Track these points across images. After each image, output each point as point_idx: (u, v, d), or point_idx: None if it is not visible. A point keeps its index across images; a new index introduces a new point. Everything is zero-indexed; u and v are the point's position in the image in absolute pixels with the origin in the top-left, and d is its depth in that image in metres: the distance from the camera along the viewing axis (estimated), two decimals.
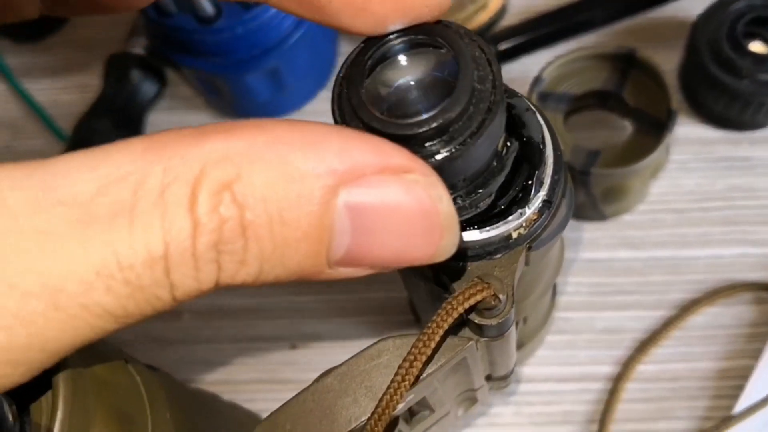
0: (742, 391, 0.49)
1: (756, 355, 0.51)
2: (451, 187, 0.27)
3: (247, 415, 0.52)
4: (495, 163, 0.29)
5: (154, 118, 0.67)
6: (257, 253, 0.22)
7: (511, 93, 0.33)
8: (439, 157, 0.26)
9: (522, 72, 0.61)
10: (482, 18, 0.62)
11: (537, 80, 0.54)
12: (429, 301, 0.39)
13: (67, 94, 0.68)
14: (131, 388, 0.30)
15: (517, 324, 0.42)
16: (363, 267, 0.25)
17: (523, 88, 0.55)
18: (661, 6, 0.62)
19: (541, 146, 0.32)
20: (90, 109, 0.64)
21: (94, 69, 0.67)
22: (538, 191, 0.32)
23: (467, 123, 0.26)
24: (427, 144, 0.26)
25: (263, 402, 0.55)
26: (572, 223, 0.57)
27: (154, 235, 0.21)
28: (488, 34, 0.62)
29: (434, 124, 0.25)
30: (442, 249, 0.26)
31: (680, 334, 0.54)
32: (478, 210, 0.30)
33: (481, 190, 0.29)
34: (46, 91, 0.69)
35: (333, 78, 0.65)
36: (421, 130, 0.25)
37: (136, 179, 0.21)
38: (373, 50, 0.27)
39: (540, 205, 0.32)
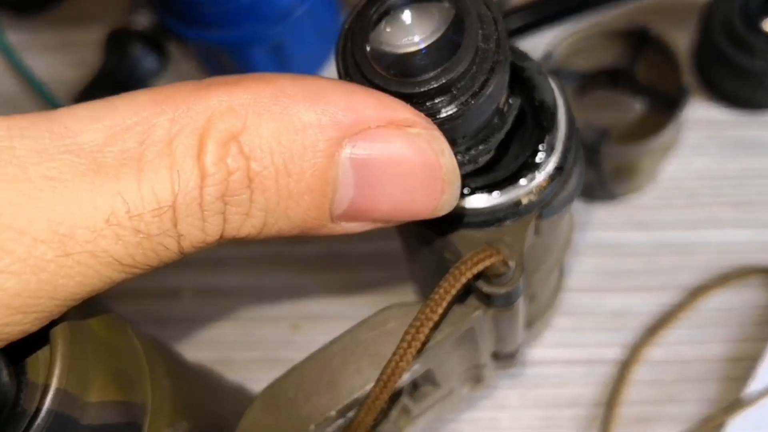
0: (752, 375, 0.48)
1: (766, 338, 0.50)
2: (452, 143, 0.27)
3: (250, 398, 0.51)
4: (496, 120, 0.29)
5: None
6: (262, 204, 0.22)
7: (523, 56, 0.32)
8: (441, 115, 0.25)
9: (531, 49, 0.59)
10: None
11: (548, 56, 0.53)
12: (434, 275, 0.38)
13: (67, 69, 0.67)
14: (131, 351, 0.29)
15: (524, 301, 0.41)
16: (365, 221, 0.25)
17: None
18: None
19: (553, 110, 0.31)
20: (89, 84, 0.63)
21: (95, 44, 0.66)
22: (550, 156, 0.31)
23: (470, 83, 0.25)
24: (429, 102, 0.25)
25: (265, 381, 0.54)
26: (580, 204, 0.56)
27: (163, 184, 0.21)
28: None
29: (436, 84, 0.25)
30: (444, 203, 0.26)
31: (690, 318, 0.53)
32: (477, 165, 0.29)
33: (481, 146, 0.28)
34: (47, 66, 0.67)
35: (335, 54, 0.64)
36: (423, 89, 0.25)
37: (142, 129, 0.21)
38: (378, 3, 0.26)
39: (552, 171, 0.31)
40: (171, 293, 0.58)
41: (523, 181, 0.31)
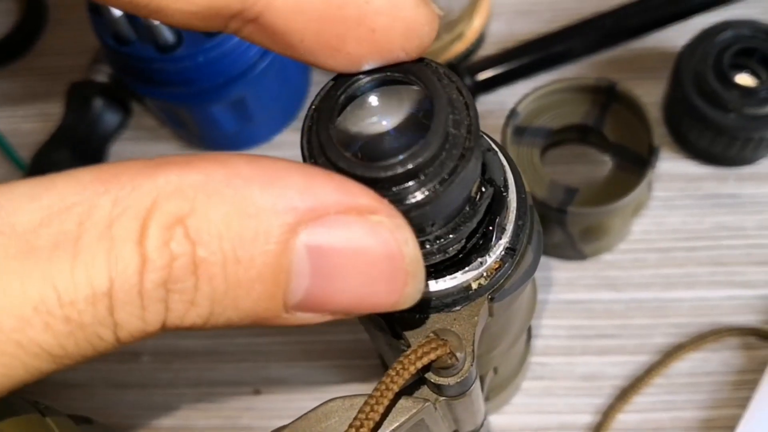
0: None
1: (743, 404, 0.48)
2: (420, 232, 0.26)
3: None
4: (467, 209, 0.27)
5: (118, 148, 0.64)
6: (209, 293, 0.21)
7: None
8: (408, 201, 0.24)
9: (499, 103, 0.59)
10: (458, 48, 0.60)
11: (512, 113, 0.52)
12: (390, 352, 0.36)
13: (28, 122, 0.66)
14: None
15: (482, 378, 0.39)
16: (322, 313, 0.23)
17: (500, 121, 0.53)
18: (644, 36, 0.60)
19: (503, 190, 0.29)
20: (49, 138, 0.62)
21: (56, 97, 0.65)
22: (500, 238, 0.29)
23: (438, 169, 0.24)
24: (395, 188, 0.24)
25: None
26: (550, 263, 0.55)
27: (99, 269, 0.20)
28: (464, 64, 0.60)
29: (402, 169, 0.24)
30: (407, 296, 0.24)
31: (663, 382, 0.51)
32: (447, 255, 0.28)
33: (451, 236, 0.27)
34: (7, 119, 0.66)
35: (305, 108, 0.63)
36: (389, 174, 0.24)
37: (82, 210, 0.20)
38: (345, 87, 0.25)
39: (502, 253, 0.29)
40: (130, 357, 0.56)
41: (472, 265, 0.29)
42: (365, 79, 0.25)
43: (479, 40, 0.62)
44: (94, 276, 0.20)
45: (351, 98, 0.26)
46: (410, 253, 0.23)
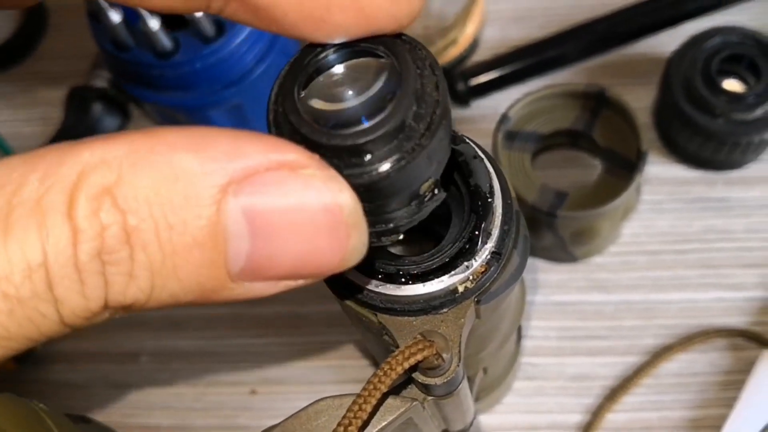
0: None
1: (730, 404, 0.49)
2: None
3: None
4: (413, 205, 0.26)
5: None
6: (145, 262, 0.20)
7: (459, 139, 0.32)
8: (349, 177, 0.23)
9: (492, 108, 0.59)
10: (452, 53, 0.61)
11: (503, 119, 0.53)
12: (381, 353, 0.37)
13: (28, 126, 0.67)
14: None
15: (470, 379, 0.40)
16: (269, 280, 0.22)
17: (493, 125, 0.53)
18: (635, 42, 0.61)
19: (488, 196, 0.30)
20: (49, 142, 0.62)
21: (56, 102, 0.66)
22: (486, 243, 0.30)
23: (386, 153, 0.24)
24: (336, 160, 0.23)
25: None
26: (540, 265, 0.55)
27: (32, 243, 0.19)
28: (458, 69, 0.61)
29: (347, 142, 0.23)
30: (352, 250, 0.23)
31: (652, 382, 0.52)
32: (379, 244, 0.27)
33: (389, 225, 0.26)
34: (8, 123, 0.67)
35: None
36: (334, 143, 0.23)
37: (11, 189, 0.20)
38: (311, 57, 0.25)
39: (488, 257, 0.30)
40: (129, 357, 0.57)
41: (458, 269, 0.30)
42: (332, 51, 0.25)
43: (473, 46, 0.63)
44: (27, 249, 0.19)
45: (320, 70, 0.25)
46: (347, 202, 0.22)
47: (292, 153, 0.21)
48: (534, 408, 0.52)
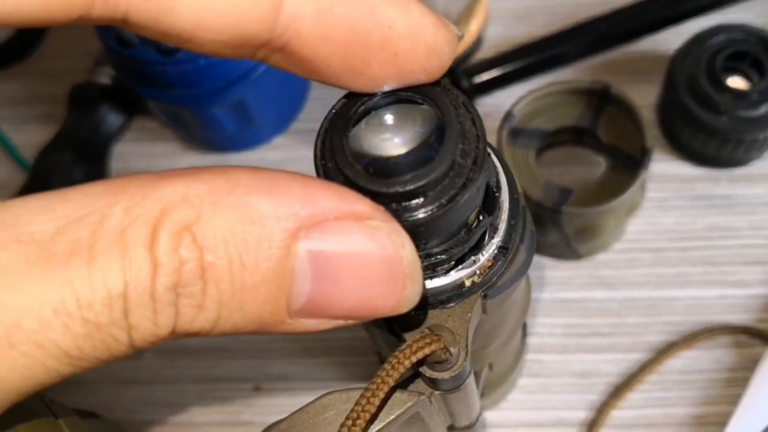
0: None
1: (734, 401, 0.49)
2: (440, 244, 0.27)
3: None
4: (462, 234, 0.28)
5: (120, 149, 0.65)
6: (216, 296, 0.22)
7: None
8: (405, 219, 0.25)
9: (496, 106, 0.59)
10: (456, 51, 0.61)
11: (508, 116, 0.53)
12: (387, 348, 0.37)
13: (31, 123, 0.67)
14: None
15: (476, 374, 0.40)
16: (325, 318, 0.24)
17: (497, 123, 0.53)
18: (639, 40, 0.61)
19: (495, 191, 0.30)
20: (52, 139, 0.62)
21: (59, 99, 0.66)
22: (492, 237, 0.30)
23: (439, 194, 0.25)
24: (394, 204, 0.25)
25: None
26: (545, 262, 0.55)
27: (114, 273, 0.21)
28: (462, 67, 0.61)
29: (405, 188, 0.25)
30: (406, 299, 0.25)
31: (656, 379, 0.52)
32: (435, 275, 0.29)
33: (442, 256, 0.28)
34: (11, 120, 0.67)
35: (305, 111, 0.64)
36: (391, 190, 0.25)
37: (95, 219, 0.21)
38: (364, 100, 0.26)
39: (495, 251, 0.30)
40: (135, 354, 0.57)
41: (465, 263, 0.30)
42: (380, 97, 0.26)
43: (476, 44, 0.63)
44: (110, 279, 0.21)
45: (368, 111, 0.27)
46: (408, 256, 0.24)
47: (359, 204, 0.23)
48: (539, 405, 0.52)
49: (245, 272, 0.22)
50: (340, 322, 0.24)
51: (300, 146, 0.63)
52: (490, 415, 0.52)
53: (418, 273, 0.25)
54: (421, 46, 0.25)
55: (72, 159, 0.60)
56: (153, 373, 0.56)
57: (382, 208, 0.24)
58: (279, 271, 0.22)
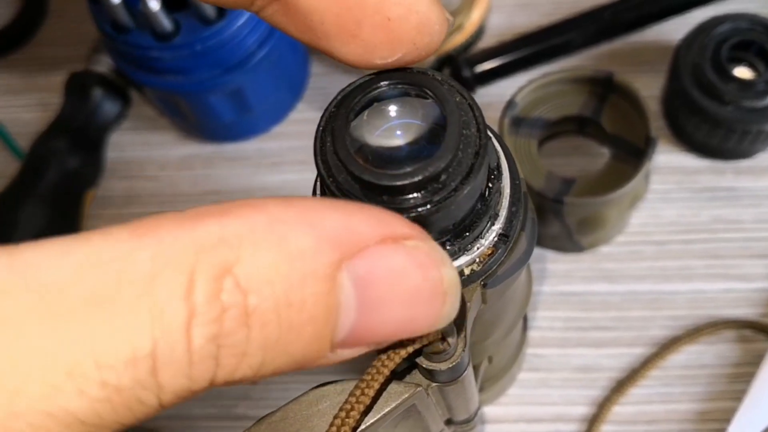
0: None
1: (739, 397, 0.48)
2: (441, 233, 0.27)
3: None
4: (479, 206, 0.28)
5: (117, 138, 0.64)
6: (261, 341, 0.20)
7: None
8: (430, 206, 0.25)
9: (498, 96, 0.58)
10: (458, 39, 0.60)
11: (510, 104, 0.52)
12: None
13: (27, 112, 0.66)
14: None
15: (475, 368, 0.39)
16: (363, 346, 0.23)
17: (499, 113, 0.53)
18: (643, 29, 0.60)
19: (495, 175, 0.29)
20: (48, 127, 0.62)
21: (56, 87, 0.65)
22: (493, 224, 0.29)
23: (457, 169, 0.25)
24: (416, 194, 0.25)
25: None
26: (547, 255, 0.55)
27: (140, 329, 0.18)
28: (464, 56, 0.60)
29: (426, 174, 0.24)
30: (444, 315, 0.24)
31: (659, 374, 0.51)
32: (468, 253, 0.28)
33: (467, 234, 0.28)
34: (7, 108, 0.66)
35: (303, 100, 0.63)
36: (414, 180, 0.25)
37: (119, 266, 0.19)
38: (357, 98, 0.26)
39: (495, 239, 0.29)
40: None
41: (465, 251, 0.29)
42: (384, 88, 0.26)
43: (479, 33, 0.62)
44: (135, 336, 0.18)
45: (361, 111, 0.26)
46: (448, 272, 0.23)
47: (396, 225, 0.22)
48: (539, 400, 0.51)
49: (292, 311, 0.20)
50: (372, 347, 0.23)
51: (299, 136, 0.62)
52: (489, 410, 0.51)
53: (458, 288, 0.24)
54: (413, 16, 0.25)
55: (67, 147, 0.60)
56: None
57: (416, 227, 0.23)
58: (325, 305, 0.21)
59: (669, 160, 0.57)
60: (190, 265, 0.19)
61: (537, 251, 0.55)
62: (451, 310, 0.24)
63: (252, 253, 0.20)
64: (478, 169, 0.25)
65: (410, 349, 0.27)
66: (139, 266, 0.19)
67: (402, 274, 0.22)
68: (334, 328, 0.21)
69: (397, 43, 0.25)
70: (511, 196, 0.30)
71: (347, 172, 0.25)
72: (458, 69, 0.59)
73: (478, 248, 0.29)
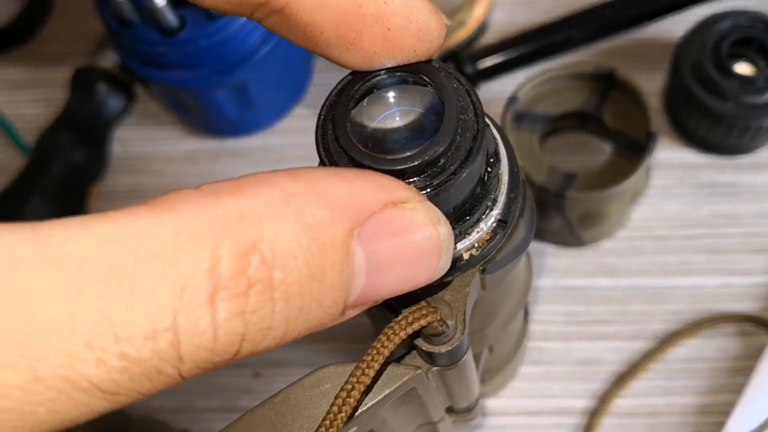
0: (723, 428, 0.47)
1: (738, 390, 0.49)
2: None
3: None
4: (478, 190, 0.28)
5: (122, 133, 0.65)
6: (285, 313, 0.21)
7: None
8: (430, 189, 0.26)
9: (500, 92, 0.59)
10: (460, 35, 0.60)
11: (512, 100, 0.52)
12: (381, 326, 0.37)
13: (33, 107, 0.66)
14: None
15: (476, 357, 0.40)
16: (370, 304, 0.24)
17: (501, 109, 0.53)
18: (644, 26, 0.60)
19: (494, 161, 0.30)
20: (53, 123, 0.62)
21: (61, 83, 0.65)
22: (491, 210, 0.29)
23: (456, 152, 0.26)
24: (415, 177, 0.25)
25: None
26: (548, 249, 0.55)
27: (161, 303, 0.19)
28: (466, 52, 0.60)
29: (426, 157, 0.25)
30: (440, 269, 0.25)
31: (660, 367, 0.51)
32: (467, 238, 0.29)
33: (468, 217, 0.28)
34: (12, 104, 0.67)
35: (307, 95, 0.63)
36: (413, 164, 0.25)
37: (138, 240, 0.19)
38: (362, 81, 0.27)
39: (494, 224, 0.30)
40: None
41: (464, 236, 0.29)
42: (383, 76, 0.27)
43: (481, 29, 0.62)
44: (155, 310, 0.19)
45: (361, 98, 0.27)
46: (443, 230, 0.24)
47: (396, 190, 0.23)
48: (540, 393, 0.52)
49: (314, 282, 0.21)
50: (373, 304, 0.24)
51: (302, 132, 0.62)
52: (491, 403, 0.51)
53: (452, 242, 0.25)
54: (413, 25, 0.25)
55: (72, 142, 0.60)
56: None
57: (413, 189, 0.24)
58: (342, 273, 0.22)
59: (670, 156, 0.57)
60: (213, 240, 0.19)
61: (539, 246, 0.55)
62: (446, 264, 0.25)
63: (273, 228, 0.20)
64: (477, 153, 0.26)
65: (410, 329, 0.28)
66: (160, 241, 0.19)
67: (405, 236, 0.23)
68: (348, 293, 0.22)
69: (397, 51, 0.26)
70: (510, 182, 0.30)
71: (348, 158, 0.25)
72: (461, 65, 0.59)
73: (477, 233, 0.29)
